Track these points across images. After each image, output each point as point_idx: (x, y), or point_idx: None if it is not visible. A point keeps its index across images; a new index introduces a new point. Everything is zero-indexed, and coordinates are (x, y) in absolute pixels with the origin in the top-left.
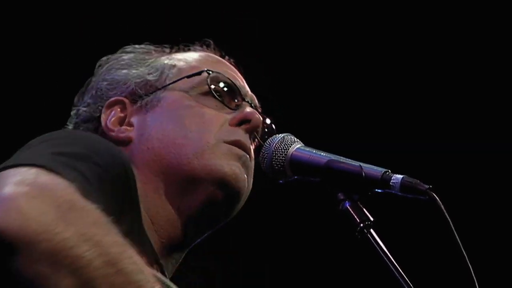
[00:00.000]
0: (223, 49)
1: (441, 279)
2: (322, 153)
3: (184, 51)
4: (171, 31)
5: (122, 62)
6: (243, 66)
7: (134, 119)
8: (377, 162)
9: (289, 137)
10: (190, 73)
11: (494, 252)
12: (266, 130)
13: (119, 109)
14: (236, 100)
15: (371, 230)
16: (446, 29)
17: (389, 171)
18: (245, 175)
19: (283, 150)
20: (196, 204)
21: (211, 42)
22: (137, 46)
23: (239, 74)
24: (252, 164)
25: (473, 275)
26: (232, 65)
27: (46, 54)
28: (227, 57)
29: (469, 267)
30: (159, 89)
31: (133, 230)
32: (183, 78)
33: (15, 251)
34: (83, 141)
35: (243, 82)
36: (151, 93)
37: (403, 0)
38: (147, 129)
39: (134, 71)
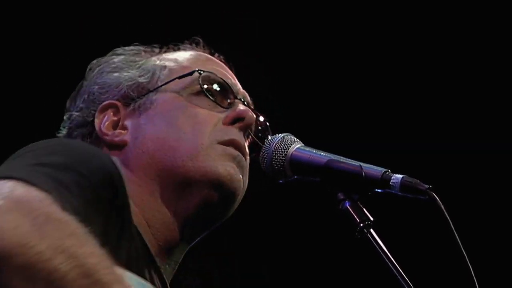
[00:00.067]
0: (224, 49)
1: (441, 279)
2: (322, 153)
3: (174, 50)
4: (171, 31)
5: (113, 65)
6: (243, 66)
7: (127, 122)
8: (377, 162)
9: (289, 137)
10: (181, 73)
11: (494, 252)
12: (259, 126)
13: (112, 113)
14: (228, 99)
15: (371, 230)
16: (446, 29)
17: (389, 171)
18: (240, 175)
19: (283, 150)
20: (192, 206)
21: (200, 40)
22: (127, 48)
23: (230, 71)
24: (247, 163)
25: (473, 275)
26: (222, 62)
27: (37, 55)
28: (216, 54)
29: (469, 267)
30: (151, 91)
31: (123, 236)
32: (175, 79)
33: None
34: (67, 150)
35: (235, 80)
36: (144, 95)
37: (403, 0)
38: (141, 132)
39: (125, 73)
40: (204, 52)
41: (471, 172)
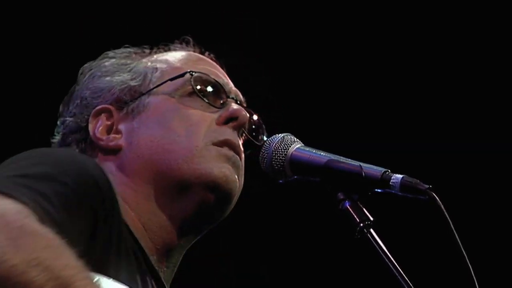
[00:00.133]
0: (224, 49)
1: (441, 279)
2: (322, 153)
3: (165, 50)
4: (171, 31)
5: (104, 69)
6: (243, 66)
7: (121, 126)
8: (377, 162)
9: (289, 137)
10: (173, 75)
11: (494, 252)
12: (253, 125)
13: (105, 117)
14: (221, 98)
15: (371, 230)
16: (446, 29)
17: (389, 171)
18: (236, 176)
19: (283, 150)
20: (188, 208)
21: (190, 39)
22: (117, 50)
23: (221, 70)
24: (242, 162)
25: (473, 275)
26: (213, 60)
27: (31, 57)
28: (207, 53)
29: (469, 267)
30: (144, 94)
31: (112, 243)
32: (167, 81)
33: None
34: (51, 160)
35: (226, 79)
36: (136, 98)
37: (403, 0)
38: (135, 136)
39: (117, 77)
40: (194, 51)
41: (471, 172)
